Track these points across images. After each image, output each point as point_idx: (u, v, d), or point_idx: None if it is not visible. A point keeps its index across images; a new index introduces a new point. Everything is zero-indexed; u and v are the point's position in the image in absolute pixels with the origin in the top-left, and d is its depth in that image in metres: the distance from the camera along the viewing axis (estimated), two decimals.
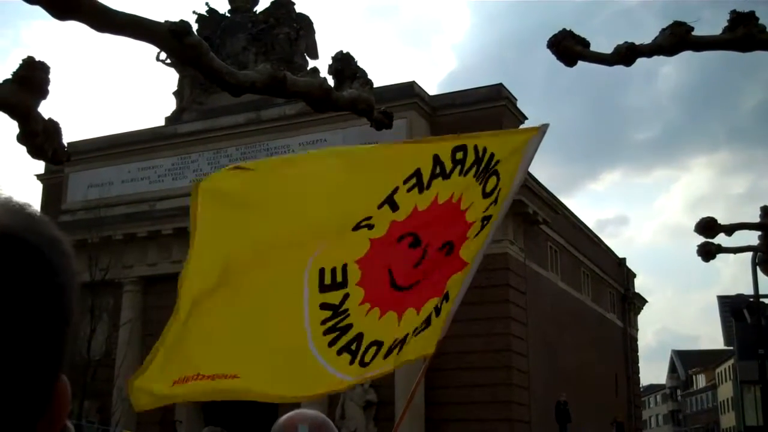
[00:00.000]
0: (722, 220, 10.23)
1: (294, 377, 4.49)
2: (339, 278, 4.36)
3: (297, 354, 4.36)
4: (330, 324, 4.36)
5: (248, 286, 4.24)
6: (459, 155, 4.59)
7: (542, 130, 4.78)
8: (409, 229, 4.55)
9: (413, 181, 4.49)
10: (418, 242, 4.56)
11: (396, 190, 4.46)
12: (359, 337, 4.45)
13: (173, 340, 4.30)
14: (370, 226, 4.44)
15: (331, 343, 4.38)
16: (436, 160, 4.55)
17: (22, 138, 4.66)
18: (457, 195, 4.60)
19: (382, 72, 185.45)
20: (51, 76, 4.56)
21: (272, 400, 4.61)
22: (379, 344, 4.54)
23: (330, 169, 4.53)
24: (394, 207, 4.46)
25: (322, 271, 4.32)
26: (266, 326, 4.31)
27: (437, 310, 4.71)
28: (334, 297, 4.36)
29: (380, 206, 4.42)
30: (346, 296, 4.39)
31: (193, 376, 4.25)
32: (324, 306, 4.34)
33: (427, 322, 4.70)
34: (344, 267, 4.39)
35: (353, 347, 4.45)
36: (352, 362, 4.46)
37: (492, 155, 4.67)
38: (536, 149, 4.80)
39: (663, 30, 5.45)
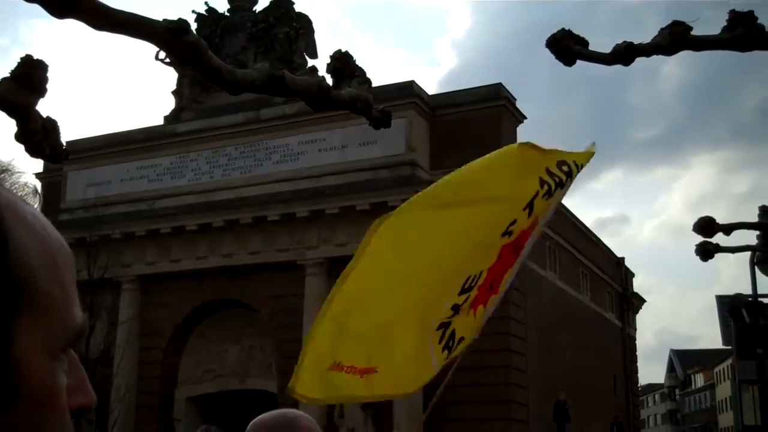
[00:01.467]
0: (724, 219, 10.26)
1: (412, 373, 4.89)
2: (473, 282, 4.75)
3: (417, 353, 4.78)
4: (441, 321, 4.75)
5: (399, 294, 4.66)
6: (565, 168, 5.02)
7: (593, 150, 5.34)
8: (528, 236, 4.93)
9: (546, 188, 4.89)
10: (518, 246, 4.95)
11: (536, 194, 4.84)
12: (453, 333, 4.87)
13: (323, 335, 4.73)
14: (510, 233, 4.81)
15: (440, 340, 4.83)
16: (549, 173, 4.93)
17: (20, 136, 4.66)
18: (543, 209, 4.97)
19: (383, 70, 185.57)
20: (50, 75, 4.55)
21: (395, 398, 5.06)
22: (461, 339, 4.96)
23: (473, 185, 4.91)
24: (530, 212, 4.84)
25: (468, 278, 4.72)
26: (403, 329, 4.70)
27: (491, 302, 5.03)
28: (460, 299, 4.75)
29: (524, 208, 4.80)
30: (466, 300, 4.77)
31: (347, 367, 4.58)
32: (454, 308, 4.73)
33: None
34: (480, 273, 4.77)
35: (450, 344, 4.89)
36: (442, 350, 4.88)
37: (570, 171, 5.07)
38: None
39: (662, 29, 5.45)
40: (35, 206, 0.97)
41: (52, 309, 0.89)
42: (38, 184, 34.90)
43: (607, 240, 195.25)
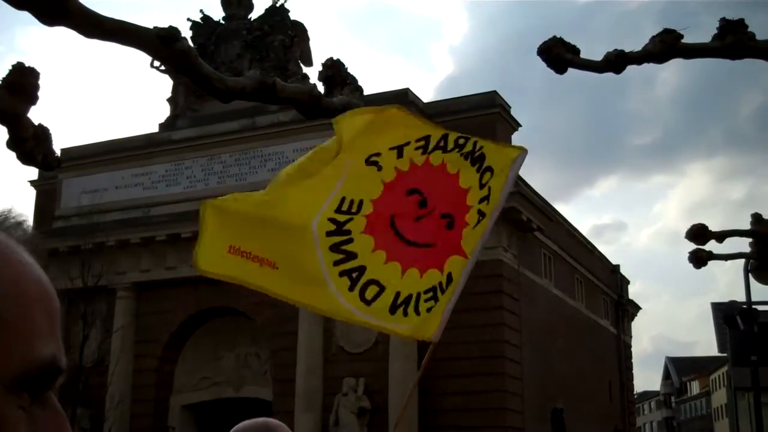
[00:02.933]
0: (720, 227, 10.28)
1: (313, 292, 5.03)
2: (354, 208, 4.98)
3: (315, 268, 4.94)
4: (335, 241, 4.94)
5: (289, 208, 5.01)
6: (461, 141, 5.23)
7: (522, 155, 5.42)
8: (416, 185, 5.13)
9: (422, 143, 5.15)
10: (425, 204, 5.09)
11: (408, 143, 5.12)
12: (362, 269, 4.96)
13: (225, 215, 5.07)
14: (379, 167, 5.07)
15: (336, 263, 4.93)
16: (444, 137, 5.22)
17: (11, 144, 4.66)
18: (452, 168, 5.17)
19: (379, 77, 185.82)
20: (41, 82, 4.55)
21: (293, 303, 5.25)
22: (380, 286, 4.99)
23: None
24: (400, 154, 5.09)
25: (342, 199, 4.99)
26: (296, 247, 4.95)
27: (441, 288, 5.09)
28: (341, 217, 4.98)
29: (391, 149, 5.08)
30: (349, 220, 4.99)
31: (246, 252, 4.85)
32: (331, 220, 4.96)
33: (435, 298, 5.08)
34: (361, 201, 5.01)
35: (354, 275, 4.95)
36: (351, 289, 4.94)
37: (483, 155, 5.23)
38: (517, 172, 5.42)
39: (653, 37, 5.47)
40: (20, 234, 0.96)
41: (10, 339, 0.86)
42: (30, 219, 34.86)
43: (603, 247, 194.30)
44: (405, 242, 5.10)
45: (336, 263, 4.97)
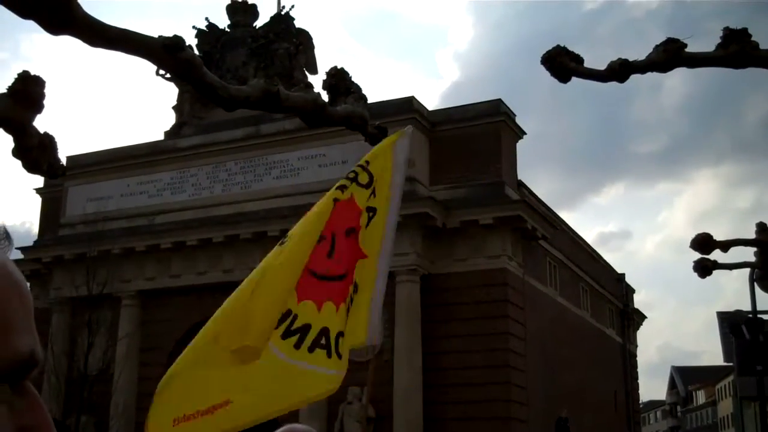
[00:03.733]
0: (727, 235, 10.30)
1: (283, 389, 4.98)
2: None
3: (275, 369, 4.84)
4: (283, 328, 4.86)
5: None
6: (351, 174, 5.39)
7: (407, 132, 5.62)
8: (323, 230, 5.12)
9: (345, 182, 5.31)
10: (323, 237, 5.10)
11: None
12: (325, 331, 4.95)
13: (172, 383, 4.77)
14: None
15: (296, 345, 4.88)
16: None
17: (17, 152, 4.67)
18: (347, 193, 5.25)
19: (385, 84, 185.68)
20: (47, 90, 4.57)
21: (270, 417, 4.99)
22: (341, 333, 5.06)
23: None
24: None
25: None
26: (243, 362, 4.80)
27: (351, 300, 5.15)
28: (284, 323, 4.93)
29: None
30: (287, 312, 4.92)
31: (192, 414, 4.65)
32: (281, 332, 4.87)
33: (347, 311, 5.14)
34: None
35: (323, 342, 4.95)
36: (329, 355, 4.97)
37: (366, 162, 5.41)
38: (407, 151, 5.59)
39: (656, 46, 5.48)
40: (4, 247, 0.96)
41: None
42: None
43: (609, 255, 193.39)
44: (318, 278, 5.05)
45: (297, 345, 4.90)
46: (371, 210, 5.32)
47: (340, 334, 5.04)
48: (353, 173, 5.34)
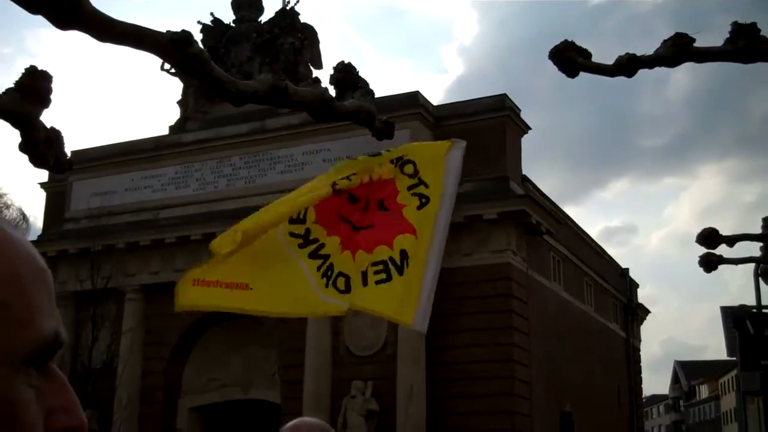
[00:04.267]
0: (732, 229, 10.30)
1: (294, 300, 5.84)
2: (301, 215, 5.85)
3: (294, 279, 5.72)
4: (311, 249, 5.74)
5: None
6: (392, 155, 6.05)
7: (461, 145, 6.14)
8: (353, 192, 5.92)
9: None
10: (355, 198, 5.89)
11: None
12: (331, 266, 5.71)
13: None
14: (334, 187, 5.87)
15: (318, 267, 5.70)
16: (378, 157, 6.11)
17: (24, 147, 4.67)
18: (377, 173, 5.94)
19: (390, 79, 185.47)
20: (54, 85, 4.57)
21: (275, 316, 6.32)
22: (346, 276, 5.71)
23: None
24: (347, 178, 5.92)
25: (297, 214, 5.90)
26: (273, 266, 5.75)
27: (397, 267, 5.73)
28: (298, 229, 5.81)
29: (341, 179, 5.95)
30: (308, 231, 5.80)
31: (213, 282, 5.64)
32: (292, 234, 5.80)
33: (387, 273, 5.74)
34: (305, 210, 5.86)
35: (329, 273, 5.71)
36: (327, 285, 5.68)
37: (403, 156, 5.98)
38: (461, 162, 6.10)
39: (665, 41, 5.46)
40: (23, 229, 0.96)
41: (11, 320, 0.88)
42: (31, 205, 34.99)
43: (614, 250, 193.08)
44: (354, 229, 5.80)
45: (318, 268, 5.67)
46: (423, 197, 5.87)
47: (343, 274, 5.75)
48: (400, 161, 5.95)
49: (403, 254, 5.70)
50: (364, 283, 5.68)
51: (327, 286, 5.67)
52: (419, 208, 5.80)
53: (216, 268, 5.64)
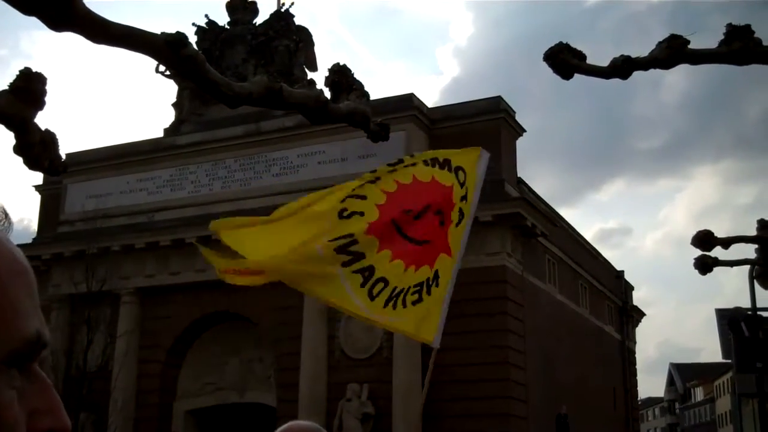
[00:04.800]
0: (728, 231, 10.34)
1: (323, 287, 5.93)
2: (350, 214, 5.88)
3: (328, 275, 5.80)
4: (340, 243, 5.74)
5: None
6: (423, 157, 6.21)
7: (484, 154, 6.23)
8: (408, 197, 5.92)
9: (390, 167, 6.07)
10: (412, 209, 5.88)
11: (375, 172, 6.13)
12: (371, 268, 5.74)
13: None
14: (361, 213, 5.88)
15: (345, 264, 5.74)
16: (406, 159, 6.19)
17: (18, 149, 4.66)
18: (426, 176, 6.00)
19: (384, 80, 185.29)
20: (49, 87, 4.56)
21: (304, 290, 6.32)
22: (386, 282, 5.75)
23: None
24: (375, 179, 5.94)
25: (343, 210, 5.90)
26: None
27: (428, 287, 5.85)
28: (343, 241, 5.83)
29: (372, 181, 6.00)
30: (354, 241, 5.82)
31: (233, 270, 5.79)
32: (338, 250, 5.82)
33: (420, 293, 5.84)
34: (362, 212, 5.89)
35: (366, 273, 5.73)
36: (363, 285, 5.74)
37: (448, 160, 6.04)
38: (484, 172, 6.23)
39: (659, 43, 5.47)
40: (5, 228, 0.95)
41: None
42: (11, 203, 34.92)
43: (610, 251, 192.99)
44: (406, 240, 5.81)
45: (345, 264, 5.68)
46: (462, 213, 5.99)
47: (383, 279, 5.79)
48: (450, 167, 6.05)
49: (436, 274, 5.85)
50: (404, 304, 5.75)
51: (363, 285, 5.74)
52: (457, 224, 5.95)
53: (256, 246, 5.82)
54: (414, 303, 5.76)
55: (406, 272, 5.73)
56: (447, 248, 5.87)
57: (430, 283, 5.79)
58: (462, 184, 5.93)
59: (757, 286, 16.58)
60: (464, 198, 5.93)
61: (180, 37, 3.98)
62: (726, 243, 10.12)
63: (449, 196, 5.89)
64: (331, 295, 5.89)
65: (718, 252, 10.47)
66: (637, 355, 45.42)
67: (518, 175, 29.85)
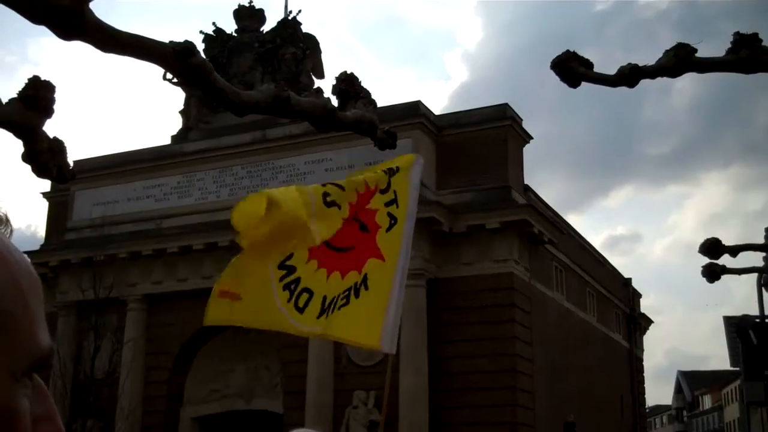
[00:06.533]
0: (737, 238, 10.33)
1: (268, 313, 5.87)
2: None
3: (267, 288, 5.77)
4: (281, 259, 5.72)
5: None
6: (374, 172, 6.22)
7: (418, 160, 6.28)
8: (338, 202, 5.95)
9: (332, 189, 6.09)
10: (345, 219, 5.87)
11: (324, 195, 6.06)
12: (297, 280, 5.74)
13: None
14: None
15: (281, 278, 5.72)
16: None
17: (27, 157, 4.68)
18: (372, 182, 6.02)
19: (392, 86, 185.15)
20: (57, 95, 4.58)
21: (256, 327, 6.24)
22: (310, 293, 5.74)
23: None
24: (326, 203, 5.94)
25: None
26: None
27: (356, 291, 5.84)
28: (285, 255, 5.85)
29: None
30: (291, 255, 5.84)
31: (221, 291, 5.70)
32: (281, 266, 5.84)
33: (347, 298, 5.83)
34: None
35: (292, 287, 5.72)
36: (289, 300, 5.72)
37: (389, 169, 6.06)
38: (420, 176, 6.25)
39: (667, 51, 5.47)
40: (7, 233, 0.97)
41: (15, 331, 0.88)
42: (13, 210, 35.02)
43: (618, 258, 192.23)
44: (329, 248, 5.79)
45: (281, 278, 5.71)
46: (393, 218, 5.96)
47: (307, 290, 5.79)
48: (378, 173, 6.06)
49: (365, 278, 5.83)
50: (331, 310, 5.76)
51: (289, 300, 5.73)
52: (388, 230, 5.92)
53: (232, 272, 5.76)
54: (341, 307, 5.78)
55: (329, 280, 5.75)
56: (377, 253, 5.88)
57: (358, 286, 5.82)
58: (385, 190, 5.96)
59: (765, 293, 16.55)
60: (393, 203, 5.94)
61: (188, 46, 4.00)
62: (734, 251, 10.09)
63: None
64: (275, 322, 5.93)
65: (726, 259, 10.45)
66: (644, 363, 45.31)
67: (525, 182, 29.83)
